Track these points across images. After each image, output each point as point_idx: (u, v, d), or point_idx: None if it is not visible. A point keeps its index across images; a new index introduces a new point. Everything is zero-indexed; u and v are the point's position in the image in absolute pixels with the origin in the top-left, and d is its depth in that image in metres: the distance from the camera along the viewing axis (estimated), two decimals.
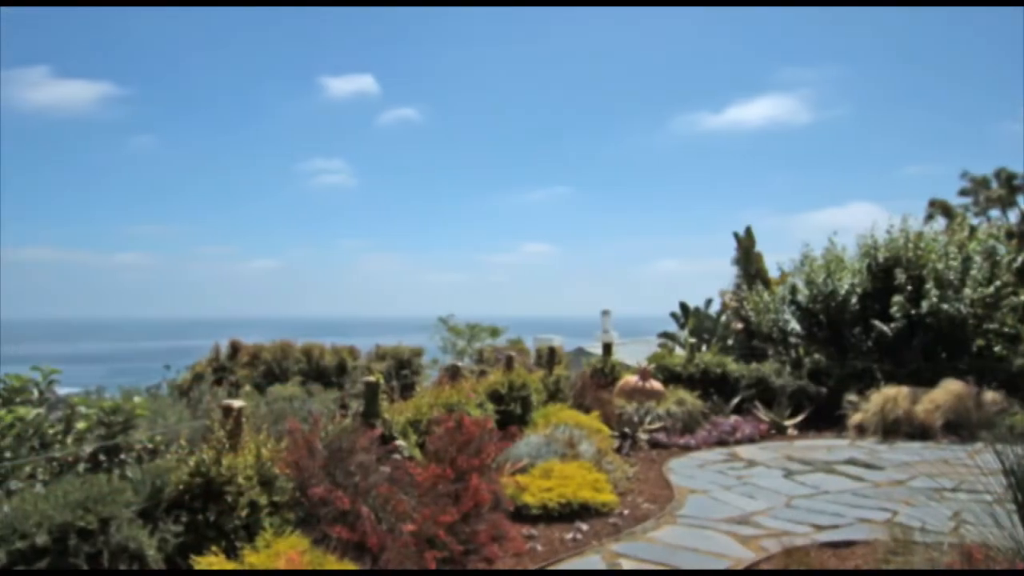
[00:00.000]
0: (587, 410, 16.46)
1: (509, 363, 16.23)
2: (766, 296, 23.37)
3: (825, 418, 19.30)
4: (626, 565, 8.97)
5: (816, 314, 21.81)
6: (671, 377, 20.57)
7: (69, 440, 8.48)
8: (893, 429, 17.42)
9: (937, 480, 12.77)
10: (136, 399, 9.13)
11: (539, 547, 9.55)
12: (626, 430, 16.35)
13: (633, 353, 25.99)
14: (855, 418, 18.05)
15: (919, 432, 17.21)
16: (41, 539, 6.18)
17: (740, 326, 24.86)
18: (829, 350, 21.66)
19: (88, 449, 8.33)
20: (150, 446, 8.84)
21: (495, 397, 14.98)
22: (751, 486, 12.98)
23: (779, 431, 18.41)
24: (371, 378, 11.72)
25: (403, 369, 24.39)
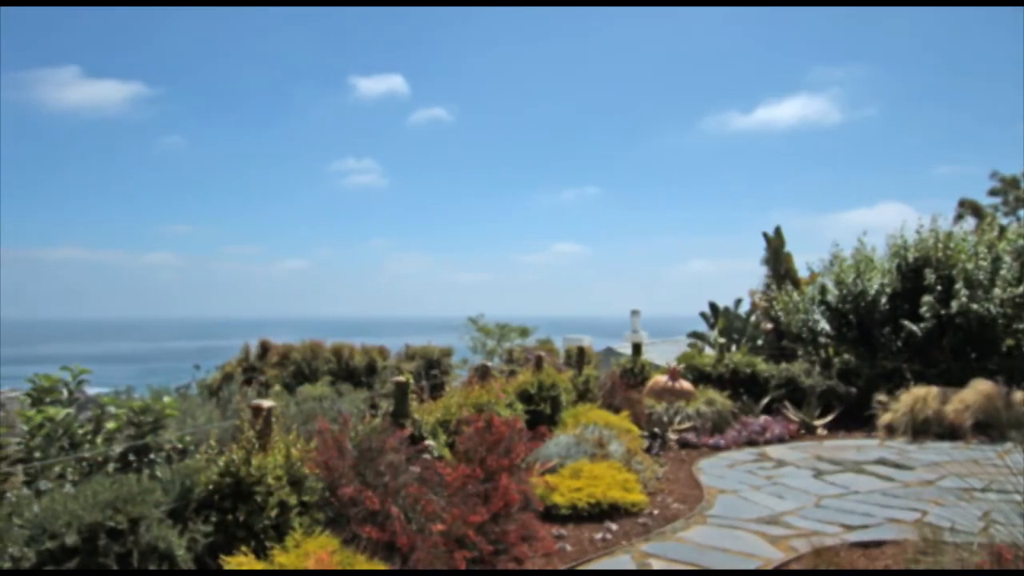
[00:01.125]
0: (616, 410, 16.44)
1: (539, 363, 16.22)
2: (795, 296, 23.33)
3: (855, 418, 19.28)
4: (656, 565, 8.96)
5: (845, 314, 21.75)
6: (701, 377, 20.59)
7: (99, 440, 8.48)
8: (923, 429, 17.35)
9: (967, 480, 12.70)
10: (166, 399, 9.13)
11: (568, 547, 9.56)
12: (656, 430, 16.34)
13: (663, 353, 26.04)
14: (884, 418, 17.98)
15: (948, 432, 17.14)
16: (71, 539, 6.20)
17: (769, 326, 24.82)
18: (859, 350, 21.61)
19: (118, 449, 8.32)
20: (179, 446, 8.88)
21: (525, 397, 15.01)
22: (780, 486, 12.96)
23: (808, 431, 18.37)
24: (401, 378, 11.79)
25: (432, 369, 24.01)
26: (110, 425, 8.68)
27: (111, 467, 8.23)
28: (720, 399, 18.26)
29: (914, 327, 20.25)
